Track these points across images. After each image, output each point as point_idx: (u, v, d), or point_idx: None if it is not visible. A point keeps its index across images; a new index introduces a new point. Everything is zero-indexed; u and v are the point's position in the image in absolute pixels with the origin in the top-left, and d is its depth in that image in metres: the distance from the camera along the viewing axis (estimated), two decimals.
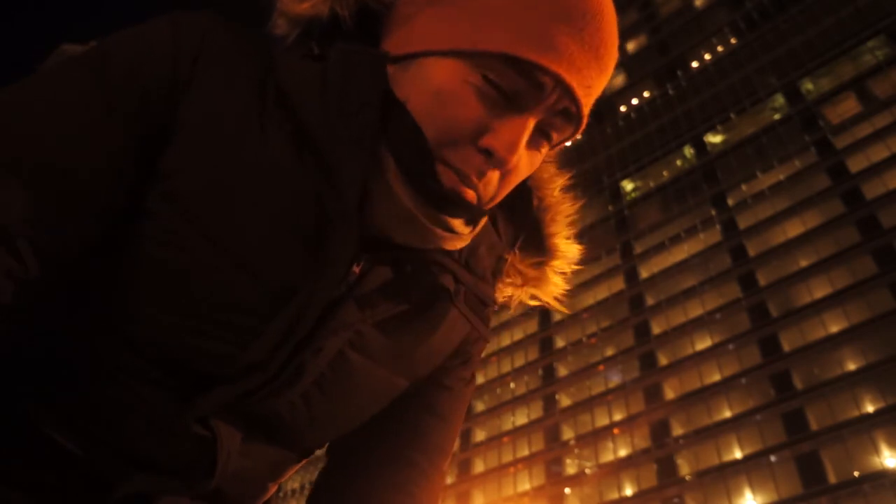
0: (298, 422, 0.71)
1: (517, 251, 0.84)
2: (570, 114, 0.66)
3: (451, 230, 0.68)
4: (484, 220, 0.74)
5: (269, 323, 0.63)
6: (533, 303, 0.89)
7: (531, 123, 0.65)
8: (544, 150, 0.70)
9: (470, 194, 0.66)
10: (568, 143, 0.77)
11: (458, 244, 0.71)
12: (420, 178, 0.64)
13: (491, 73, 0.63)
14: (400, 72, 0.66)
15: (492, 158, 0.64)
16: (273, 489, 0.80)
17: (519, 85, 0.63)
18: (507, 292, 0.87)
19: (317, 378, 0.68)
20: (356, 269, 0.67)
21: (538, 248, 0.85)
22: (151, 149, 0.63)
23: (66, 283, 0.61)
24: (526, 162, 0.69)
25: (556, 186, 0.84)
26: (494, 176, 0.67)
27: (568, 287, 0.88)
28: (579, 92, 0.64)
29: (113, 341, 0.64)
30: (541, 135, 0.68)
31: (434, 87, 0.64)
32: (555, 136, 0.69)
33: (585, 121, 0.69)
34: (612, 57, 0.68)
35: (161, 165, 0.63)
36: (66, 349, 0.64)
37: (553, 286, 0.87)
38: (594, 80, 0.66)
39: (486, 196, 0.68)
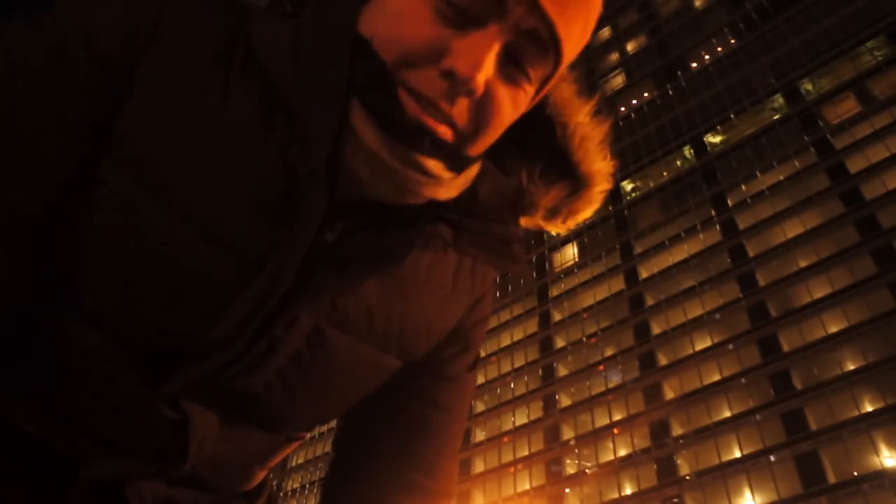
0: (278, 402, 0.68)
1: (540, 182, 0.77)
2: (540, 37, 0.60)
3: (427, 172, 0.62)
4: (475, 167, 0.69)
5: (237, 295, 0.59)
6: (564, 228, 0.82)
7: (496, 43, 0.59)
8: (527, 87, 0.64)
9: (440, 128, 0.61)
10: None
11: (442, 193, 0.65)
12: (383, 111, 0.59)
13: None
14: (366, 10, 0.64)
15: (454, 79, 0.58)
16: (261, 475, 0.79)
17: (477, 1, 0.58)
18: (544, 225, 0.80)
19: (293, 355, 0.65)
20: (330, 236, 0.63)
21: (568, 177, 0.77)
22: (108, 114, 0.60)
23: (22, 260, 0.58)
24: (505, 97, 0.62)
25: (581, 112, 0.77)
26: (464, 104, 0.61)
27: (604, 197, 0.80)
28: (548, 7, 0.59)
29: (75, 318, 0.61)
30: (515, 66, 0.62)
31: (390, 9, 0.61)
32: (531, 69, 0.62)
33: (565, 49, 0.62)
34: None
35: (116, 131, 0.60)
36: (25, 329, 0.61)
37: (590, 208, 0.79)
38: None
39: (462, 130, 0.62)
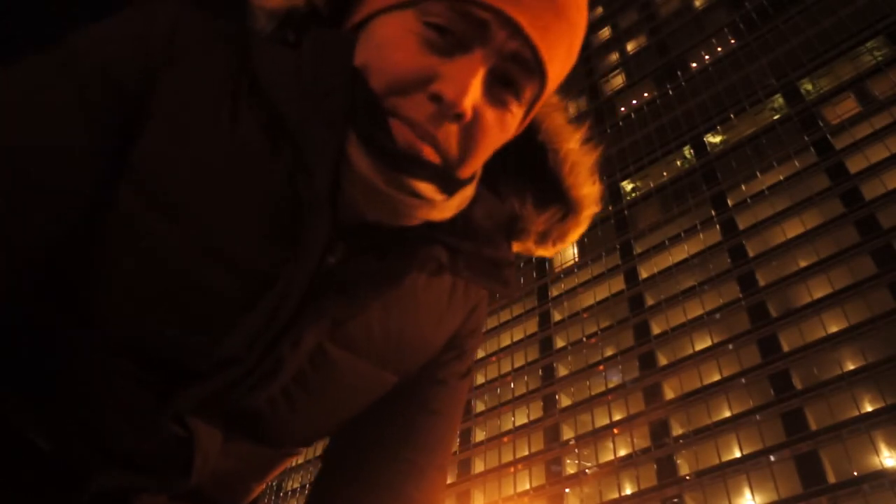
0: (281, 419, 0.69)
1: (532, 207, 0.80)
2: (524, 60, 0.62)
3: (418, 195, 0.63)
4: (469, 190, 0.71)
5: (245, 314, 0.61)
6: (553, 252, 0.86)
7: (481, 68, 0.61)
8: (515, 109, 0.65)
9: (428, 151, 0.63)
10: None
11: (436, 214, 0.66)
12: (374, 138, 0.61)
13: (431, 19, 0.61)
14: (359, 41, 0.65)
15: (442, 104, 0.60)
16: (258, 490, 0.80)
17: (461, 27, 0.61)
18: (533, 250, 0.84)
19: (296, 373, 0.66)
20: (332, 259, 0.65)
21: (559, 201, 0.80)
22: (122, 139, 0.62)
23: (37, 278, 0.60)
24: (492, 119, 0.64)
25: (572, 139, 0.79)
26: (452, 129, 0.63)
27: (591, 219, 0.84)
28: (531, 31, 0.61)
29: (86, 335, 0.62)
30: (502, 89, 0.64)
31: (378, 41, 0.63)
32: (518, 91, 0.64)
33: (550, 70, 0.64)
34: (573, 3, 0.64)
35: (131, 155, 0.62)
36: (37, 343, 0.63)
37: (579, 231, 0.83)
38: (550, 21, 0.62)
39: (450, 153, 0.64)
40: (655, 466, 35.02)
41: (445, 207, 0.67)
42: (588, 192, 0.80)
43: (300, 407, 0.69)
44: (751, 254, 37.25)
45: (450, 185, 0.66)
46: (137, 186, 0.61)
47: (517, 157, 0.79)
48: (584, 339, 42.60)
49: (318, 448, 0.84)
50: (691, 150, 44.14)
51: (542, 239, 0.82)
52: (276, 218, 0.63)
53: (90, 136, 0.61)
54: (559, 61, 0.65)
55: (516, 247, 0.82)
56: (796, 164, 37.95)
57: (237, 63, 0.66)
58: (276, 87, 0.63)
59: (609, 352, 40.97)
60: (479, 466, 42.91)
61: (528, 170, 0.80)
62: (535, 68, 0.63)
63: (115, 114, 0.62)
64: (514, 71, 0.63)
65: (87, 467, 0.63)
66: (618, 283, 43.13)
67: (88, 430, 0.63)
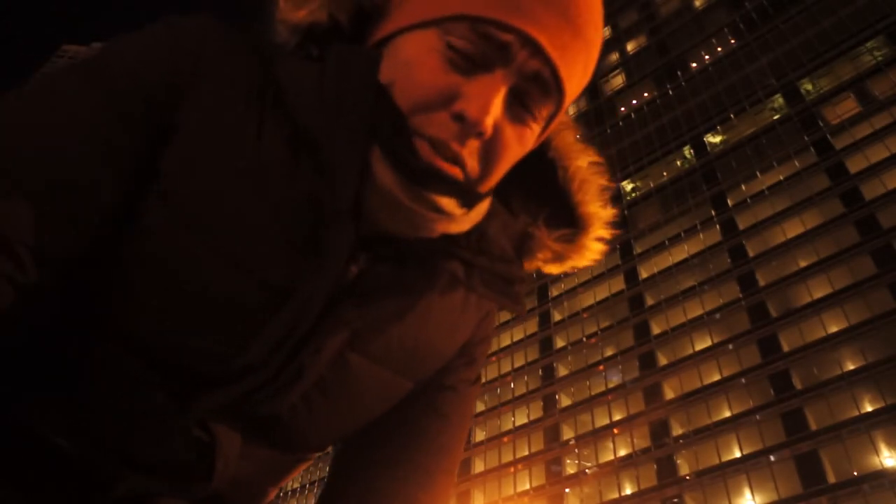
0: (300, 424, 0.70)
1: (543, 226, 0.81)
2: (544, 79, 0.64)
3: (440, 210, 0.66)
4: (485, 204, 0.73)
5: (267, 323, 0.63)
6: (561, 270, 0.86)
7: (502, 87, 0.63)
8: (533, 125, 0.68)
9: (451, 169, 0.64)
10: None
11: (454, 227, 0.69)
12: (398, 155, 0.63)
13: (454, 39, 0.63)
14: (383, 59, 0.67)
15: (465, 122, 0.62)
16: (273, 494, 0.81)
17: (483, 48, 0.62)
18: (543, 267, 0.85)
19: (317, 380, 0.68)
20: (354, 269, 0.67)
21: (568, 219, 0.82)
22: (150, 152, 0.64)
23: (65, 285, 0.61)
24: (512, 135, 0.66)
25: (582, 157, 0.81)
26: (474, 144, 0.65)
27: (605, 249, 0.84)
28: (551, 52, 0.63)
29: (110, 341, 0.64)
30: (521, 107, 0.66)
31: (402, 59, 0.65)
32: (536, 109, 0.66)
33: (567, 88, 0.66)
34: (590, 21, 0.67)
35: (158, 167, 0.64)
36: (63, 350, 0.64)
37: (590, 253, 0.83)
38: (568, 41, 0.64)
39: (472, 170, 0.66)
40: (655, 466, 35.02)
41: (463, 221, 0.69)
42: (596, 211, 0.81)
43: (318, 413, 0.70)
44: (751, 254, 37.25)
45: (469, 198, 0.68)
46: (163, 196, 0.63)
47: (528, 174, 0.80)
48: (584, 339, 42.60)
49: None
50: (691, 150, 44.14)
51: (551, 259, 0.82)
52: (298, 229, 0.64)
53: (115, 146, 0.62)
54: (576, 79, 0.67)
55: (526, 264, 0.82)
56: (796, 164, 37.96)
57: (262, 76, 0.67)
58: (299, 100, 0.65)
59: (609, 352, 40.97)
60: (479, 466, 42.92)
61: (538, 187, 0.81)
62: (554, 87, 0.65)
63: (141, 125, 0.63)
64: (534, 89, 0.65)
65: (109, 471, 0.64)
66: (618, 283, 43.13)
67: (109, 434, 0.64)
